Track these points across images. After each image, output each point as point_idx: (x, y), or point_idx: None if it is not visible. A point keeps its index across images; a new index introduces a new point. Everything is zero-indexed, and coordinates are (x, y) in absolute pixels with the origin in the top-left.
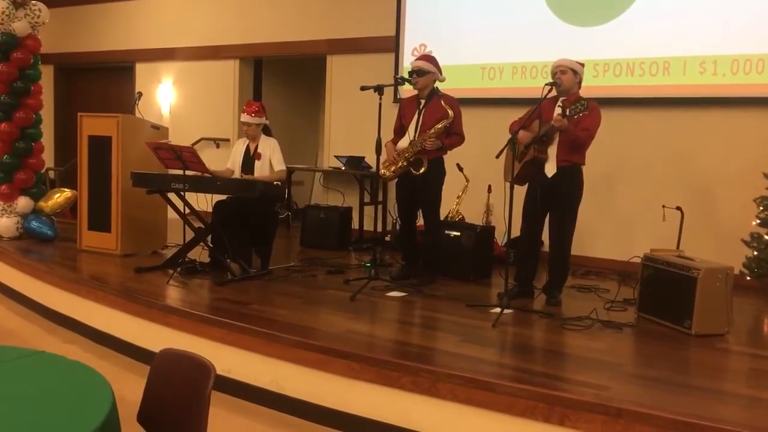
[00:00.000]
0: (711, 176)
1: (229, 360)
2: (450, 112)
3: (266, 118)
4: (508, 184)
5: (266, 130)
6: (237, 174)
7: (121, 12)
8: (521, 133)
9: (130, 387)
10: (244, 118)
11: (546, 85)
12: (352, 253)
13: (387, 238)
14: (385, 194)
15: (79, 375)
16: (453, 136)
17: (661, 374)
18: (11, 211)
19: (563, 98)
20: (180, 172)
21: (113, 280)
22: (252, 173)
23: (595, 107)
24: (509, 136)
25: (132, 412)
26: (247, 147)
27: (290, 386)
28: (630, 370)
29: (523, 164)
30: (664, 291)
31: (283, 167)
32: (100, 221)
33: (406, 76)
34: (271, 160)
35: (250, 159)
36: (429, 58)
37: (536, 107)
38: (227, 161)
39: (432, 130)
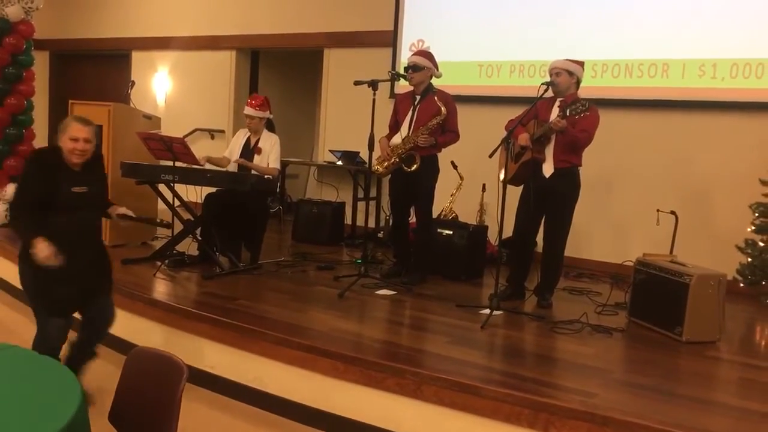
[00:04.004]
0: (707, 181)
1: (213, 356)
2: (443, 108)
3: (270, 113)
4: (501, 183)
5: (269, 125)
6: (234, 161)
7: None
8: (522, 136)
9: (111, 380)
10: (248, 110)
11: (542, 84)
12: (343, 249)
13: (380, 235)
14: (378, 190)
15: (48, 372)
16: (448, 133)
17: (650, 382)
18: (0, 198)
19: (560, 99)
20: (170, 163)
21: None
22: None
23: (593, 108)
24: (505, 134)
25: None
26: (248, 139)
27: (274, 384)
28: (618, 377)
29: (519, 165)
30: (655, 296)
31: (277, 166)
32: None
33: (404, 71)
34: (269, 155)
35: (249, 152)
36: (425, 54)
37: (531, 107)
38: (220, 152)
39: (425, 127)
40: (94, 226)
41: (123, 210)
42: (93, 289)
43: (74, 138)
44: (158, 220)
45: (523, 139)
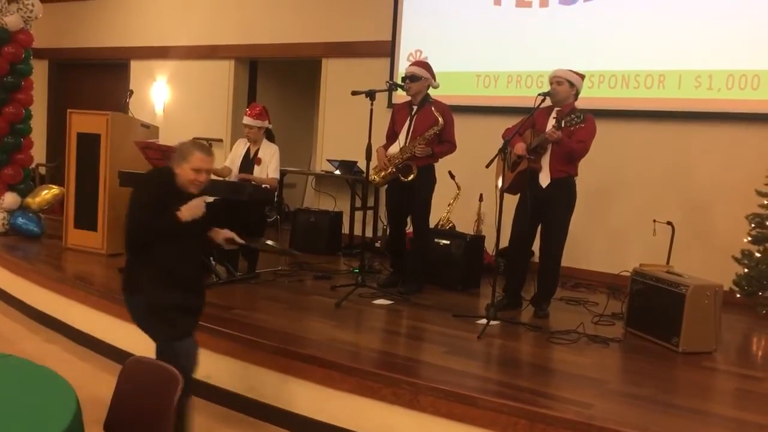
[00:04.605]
0: (704, 191)
1: (209, 365)
2: (440, 119)
3: (269, 122)
4: (498, 193)
5: (269, 135)
6: (235, 174)
7: (117, 9)
8: (519, 145)
9: (109, 389)
10: (246, 120)
11: (539, 95)
12: (341, 258)
13: (377, 245)
14: (376, 200)
15: (43, 381)
16: (444, 143)
17: (646, 393)
18: None
19: (557, 109)
20: None
21: (97, 280)
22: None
23: (590, 119)
24: (502, 144)
25: None
26: (248, 150)
27: (269, 394)
28: (614, 388)
29: (516, 174)
30: (652, 307)
31: (276, 176)
32: (86, 220)
33: (401, 81)
34: (268, 166)
35: (249, 162)
36: (423, 64)
37: (529, 117)
38: (219, 162)
39: (422, 137)
40: (200, 258)
41: (229, 234)
42: (196, 321)
43: (197, 169)
44: (276, 246)
45: (520, 148)
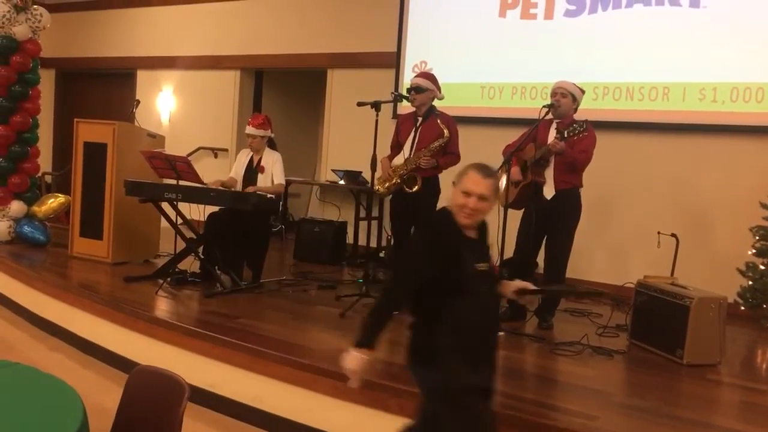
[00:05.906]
0: (708, 203)
1: (214, 374)
2: (446, 131)
3: (271, 131)
4: (500, 206)
5: (271, 144)
6: (240, 184)
7: (123, 19)
8: (514, 170)
9: (113, 398)
10: (249, 130)
11: (543, 107)
12: (345, 268)
13: (382, 255)
14: (380, 210)
15: (50, 390)
16: (449, 155)
17: (650, 405)
18: (4, 215)
19: (558, 121)
20: (174, 181)
21: (102, 289)
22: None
23: (590, 128)
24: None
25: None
26: (251, 159)
27: (274, 403)
28: (618, 400)
29: (520, 188)
30: (656, 319)
31: (282, 181)
32: (92, 228)
33: (406, 92)
34: (273, 172)
35: (252, 172)
36: (428, 76)
37: (533, 129)
38: (224, 171)
39: (427, 149)
40: (498, 315)
41: (522, 284)
42: (490, 396)
43: (467, 191)
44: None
45: (515, 173)
